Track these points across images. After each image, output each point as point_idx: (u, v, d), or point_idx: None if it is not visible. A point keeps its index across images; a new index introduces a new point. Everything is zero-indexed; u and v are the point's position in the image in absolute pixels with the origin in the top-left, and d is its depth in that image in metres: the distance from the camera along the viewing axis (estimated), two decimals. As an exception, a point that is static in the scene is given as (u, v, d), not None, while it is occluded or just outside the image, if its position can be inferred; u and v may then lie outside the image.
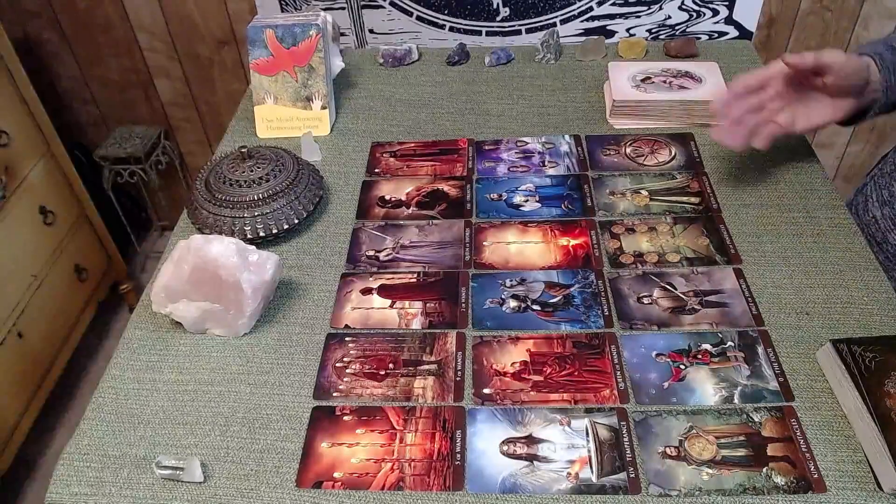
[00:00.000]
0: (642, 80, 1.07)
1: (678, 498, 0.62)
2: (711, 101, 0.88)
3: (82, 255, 1.69)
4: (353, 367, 0.74)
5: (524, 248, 0.87)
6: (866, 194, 0.97)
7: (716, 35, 1.41)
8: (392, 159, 1.02)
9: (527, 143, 1.03)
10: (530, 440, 0.67)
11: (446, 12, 1.42)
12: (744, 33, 1.41)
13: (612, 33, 1.42)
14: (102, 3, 1.60)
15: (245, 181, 0.87)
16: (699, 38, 1.40)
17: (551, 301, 0.80)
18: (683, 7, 1.38)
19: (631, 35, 1.42)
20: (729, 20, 1.40)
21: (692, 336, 0.75)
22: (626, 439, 0.66)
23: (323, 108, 1.07)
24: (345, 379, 0.73)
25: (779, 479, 0.62)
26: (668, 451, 0.65)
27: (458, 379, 0.72)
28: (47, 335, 1.58)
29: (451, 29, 1.45)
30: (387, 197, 0.96)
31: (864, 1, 1.47)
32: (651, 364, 0.72)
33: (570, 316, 0.78)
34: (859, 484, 0.62)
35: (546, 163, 1.00)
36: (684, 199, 0.92)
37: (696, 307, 0.78)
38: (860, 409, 0.64)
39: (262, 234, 0.86)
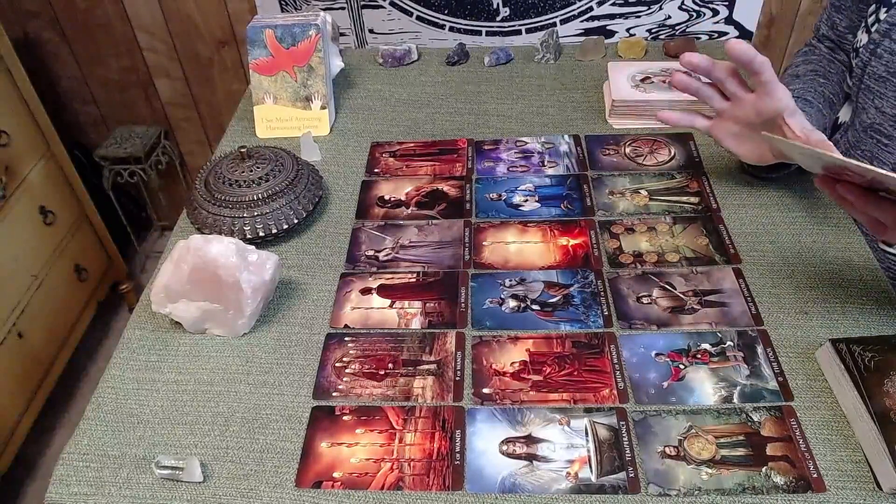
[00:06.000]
0: (642, 80, 1.07)
1: (677, 497, 0.62)
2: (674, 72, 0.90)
3: (82, 255, 1.70)
4: (353, 366, 0.74)
5: (524, 248, 0.87)
6: None
7: (716, 35, 1.41)
8: (391, 159, 1.02)
9: (526, 143, 1.03)
10: (530, 440, 0.67)
11: (446, 12, 1.42)
12: (744, 33, 1.41)
13: (611, 33, 1.42)
14: (102, 3, 1.60)
15: (245, 181, 0.87)
16: (699, 38, 1.40)
17: (551, 301, 0.80)
18: (683, 7, 1.38)
19: (631, 35, 1.42)
20: (729, 20, 1.40)
21: (691, 336, 0.75)
22: (625, 439, 0.66)
23: (322, 108, 1.07)
24: (344, 379, 0.73)
25: (778, 479, 0.62)
26: (667, 450, 0.65)
27: (457, 379, 0.72)
28: (47, 335, 1.58)
29: (451, 29, 1.45)
30: (386, 197, 0.96)
31: (863, 1, 1.47)
32: (650, 364, 0.72)
33: (569, 316, 0.78)
34: (859, 484, 0.62)
35: (545, 163, 1.00)
36: (684, 198, 0.92)
37: (695, 307, 0.78)
38: (859, 408, 0.64)
39: (261, 234, 0.86)
